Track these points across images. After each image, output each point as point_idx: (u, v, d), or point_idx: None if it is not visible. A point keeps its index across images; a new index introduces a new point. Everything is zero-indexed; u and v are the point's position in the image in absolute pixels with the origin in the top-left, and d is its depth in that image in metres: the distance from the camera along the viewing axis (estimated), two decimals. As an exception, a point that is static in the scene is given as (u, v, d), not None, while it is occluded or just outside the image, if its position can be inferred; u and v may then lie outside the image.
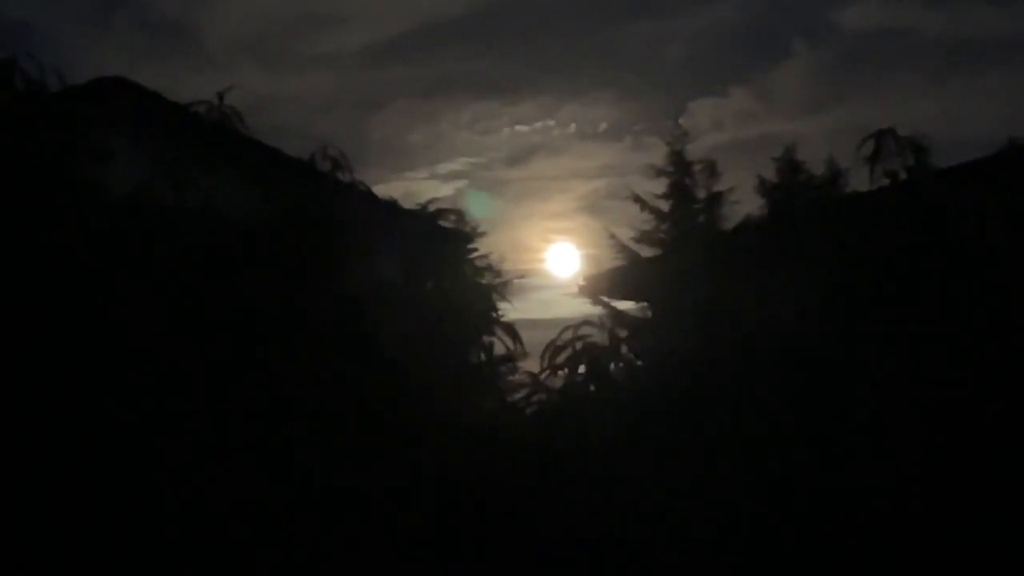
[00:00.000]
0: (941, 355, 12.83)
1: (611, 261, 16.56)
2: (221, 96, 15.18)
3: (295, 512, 12.76)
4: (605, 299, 15.98)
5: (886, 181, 14.60)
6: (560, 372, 13.96)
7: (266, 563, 12.65)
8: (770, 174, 15.50)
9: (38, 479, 12.45)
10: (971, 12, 35.76)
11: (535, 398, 14.07)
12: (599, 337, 14.46)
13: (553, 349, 14.14)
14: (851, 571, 12.44)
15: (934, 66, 36.26)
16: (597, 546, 12.70)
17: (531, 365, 15.11)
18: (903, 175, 14.49)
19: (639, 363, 14.27)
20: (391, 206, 15.72)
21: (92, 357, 12.82)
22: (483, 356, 15.45)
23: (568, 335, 14.34)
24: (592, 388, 13.94)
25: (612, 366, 13.99)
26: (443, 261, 15.52)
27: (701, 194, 16.16)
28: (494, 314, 15.64)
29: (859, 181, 14.97)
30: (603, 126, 36.91)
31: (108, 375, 12.76)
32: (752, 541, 12.44)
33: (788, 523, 12.45)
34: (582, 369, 14.57)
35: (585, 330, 14.55)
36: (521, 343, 15.42)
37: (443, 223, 15.84)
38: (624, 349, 14.09)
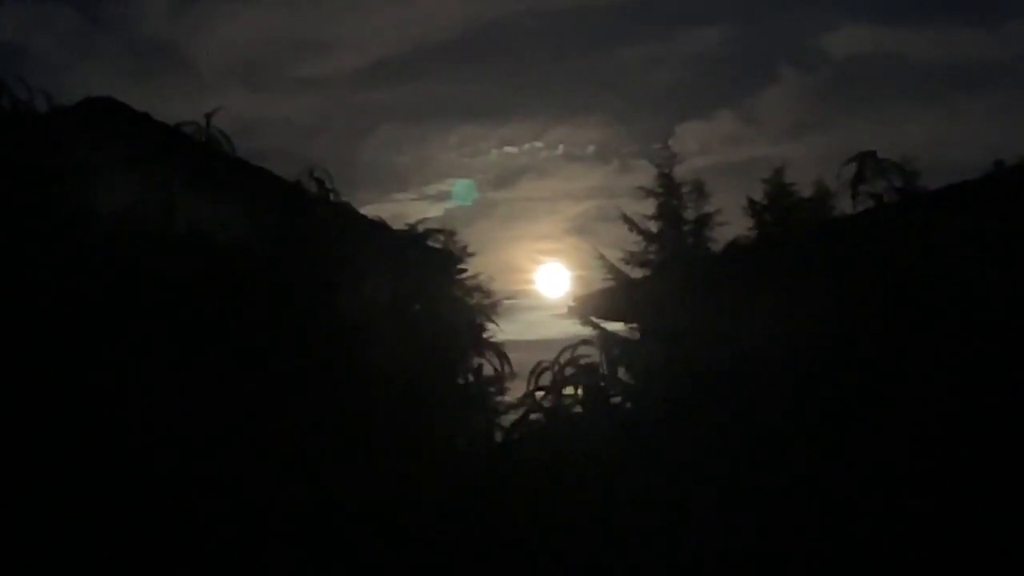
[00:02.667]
0: (928, 376, 12.85)
1: (600, 282, 16.54)
2: (209, 117, 15.19)
3: (286, 527, 12.74)
4: (594, 320, 15.94)
5: (870, 203, 14.65)
6: (554, 392, 13.99)
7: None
8: (758, 197, 15.54)
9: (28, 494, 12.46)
10: (957, 37, 35.89)
11: (531, 417, 14.08)
12: (596, 358, 14.51)
13: (552, 369, 14.17)
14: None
15: (921, 90, 36.36)
16: (592, 562, 12.71)
17: (519, 385, 15.12)
18: (886, 197, 14.53)
19: (631, 383, 14.30)
20: (380, 226, 15.71)
21: (76, 376, 12.78)
22: (471, 376, 15.43)
23: (567, 355, 14.37)
24: (589, 408, 13.97)
25: (606, 386, 14.04)
26: (432, 281, 15.50)
27: (690, 215, 16.18)
28: (483, 334, 15.62)
29: (847, 204, 15.02)
30: (591, 148, 37.01)
31: (92, 394, 12.73)
32: (745, 556, 12.45)
33: (781, 538, 12.47)
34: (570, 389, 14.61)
35: (582, 350, 14.59)
36: (509, 363, 15.40)
37: (432, 243, 15.83)
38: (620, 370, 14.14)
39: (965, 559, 12.23)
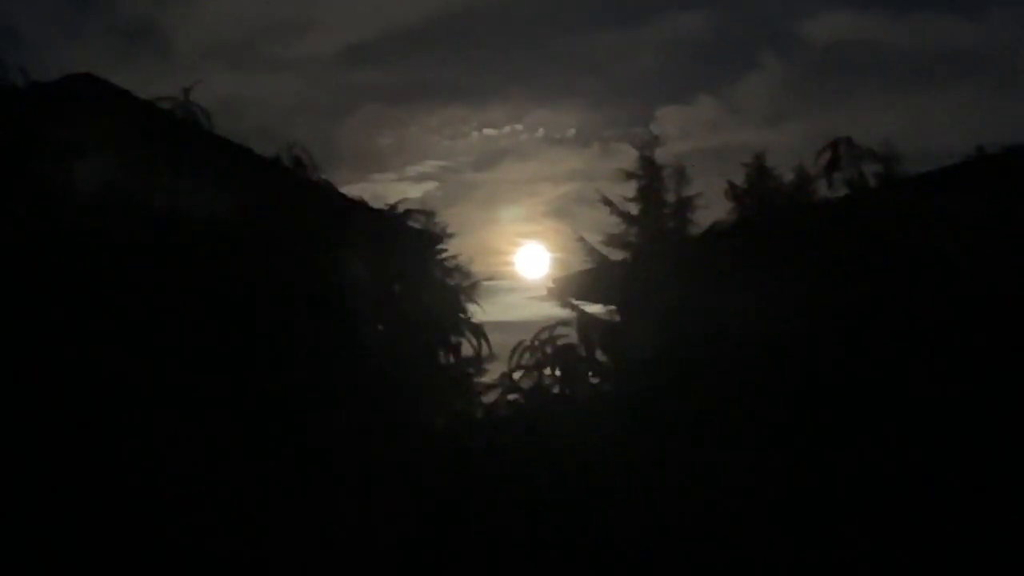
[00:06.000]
0: (909, 356, 12.91)
1: (580, 264, 16.47)
2: (187, 92, 15.15)
3: (270, 507, 12.73)
4: (574, 302, 15.91)
5: (845, 189, 14.72)
6: (533, 372, 14.02)
7: (245, 559, 12.61)
8: (738, 181, 15.51)
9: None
10: (938, 25, 35.85)
11: (508, 398, 14.11)
12: (573, 339, 14.55)
13: (526, 349, 14.19)
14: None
15: (901, 78, 36.36)
16: (571, 539, 12.75)
17: (498, 367, 15.13)
18: (863, 183, 14.59)
19: (610, 364, 14.34)
20: (360, 206, 15.67)
21: (54, 351, 12.74)
22: (451, 357, 15.42)
23: (544, 335, 14.38)
24: (568, 388, 14.00)
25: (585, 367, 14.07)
26: (412, 261, 15.48)
27: (670, 198, 16.09)
28: (462, 315, 15.61)
29: (826, 190, 15.09)
30: (571, 132, 36.89)
31: (71, 371, 12.68)
32: (727, 537, 12.51)
33: (761, 518, 12.53)
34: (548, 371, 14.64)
35: (560, 331, 14.61)
36: (489, 345, 15.40)
37: (413, 224, 15.81)
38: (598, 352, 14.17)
39: (947, 538, 12.34)
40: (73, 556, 12.32)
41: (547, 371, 14.48)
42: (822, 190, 15.06)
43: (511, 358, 14.61)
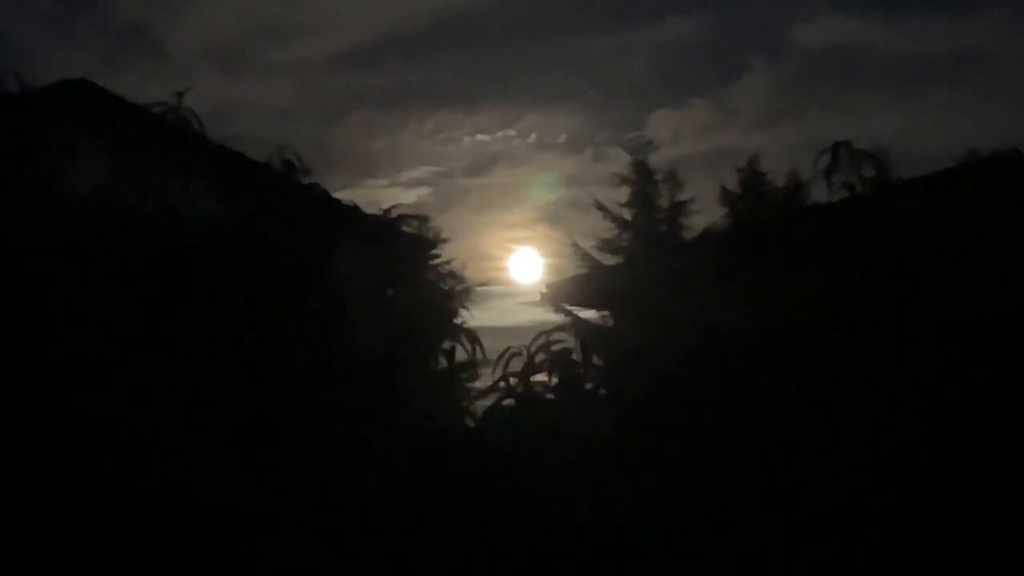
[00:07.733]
0: (901, 359, 12.95)
1: (573, 269, 16.48)
2: (179, 96, 15.16)
3: (268, 509, 12.74)
4: (567, 307, 15.92)
5: (844, 192, 14.76)
6: (528, 377, 14.05)
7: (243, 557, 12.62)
8: (731, 185, 15.53)
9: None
10: (928, 29, 36.07)
11: (504, 403, 14.12)
12: (569, 344, 14.58)
13: (514, 355, 14.20)
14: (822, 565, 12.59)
15: (892, 81, 36.56)
16: (564, 545, 12.77)
17: (492, 372, 15.14)
18: (860, 187, 14.63)
19: (605, 370, 14.35)
20: (353, 210, 15.68)
21: (48, 355, 12.73)
22: (444, 361, 15.43)
23: (540, 341, 14.40)
24: (563, 394, 14.01)
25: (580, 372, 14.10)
26: (405, 266, 15.48)
27: (664, 203, 16.10)
28: (456, 320, 15.61)
29: (820, 193, 15.14)
30: (563, 137, 37.00)
31: (64, 374, 12.68)
32: (722, 538, 12.54)
33: (757, 519, 12.56)
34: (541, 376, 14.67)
35: (554, 336, 14.63)
36: (482, 349, 15.40)
37: (405, 229, 15.81)
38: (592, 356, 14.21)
39: (946, 538, 12.37)
40: (72, 555, 12.32)
41: (542, 376, 14.51)
42: (814, 194, 15.15)
43: (499, 364, 14.66)
